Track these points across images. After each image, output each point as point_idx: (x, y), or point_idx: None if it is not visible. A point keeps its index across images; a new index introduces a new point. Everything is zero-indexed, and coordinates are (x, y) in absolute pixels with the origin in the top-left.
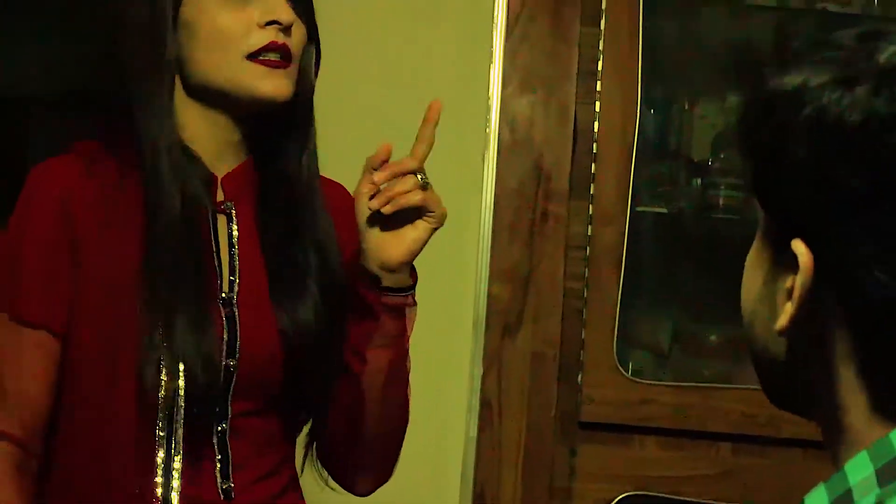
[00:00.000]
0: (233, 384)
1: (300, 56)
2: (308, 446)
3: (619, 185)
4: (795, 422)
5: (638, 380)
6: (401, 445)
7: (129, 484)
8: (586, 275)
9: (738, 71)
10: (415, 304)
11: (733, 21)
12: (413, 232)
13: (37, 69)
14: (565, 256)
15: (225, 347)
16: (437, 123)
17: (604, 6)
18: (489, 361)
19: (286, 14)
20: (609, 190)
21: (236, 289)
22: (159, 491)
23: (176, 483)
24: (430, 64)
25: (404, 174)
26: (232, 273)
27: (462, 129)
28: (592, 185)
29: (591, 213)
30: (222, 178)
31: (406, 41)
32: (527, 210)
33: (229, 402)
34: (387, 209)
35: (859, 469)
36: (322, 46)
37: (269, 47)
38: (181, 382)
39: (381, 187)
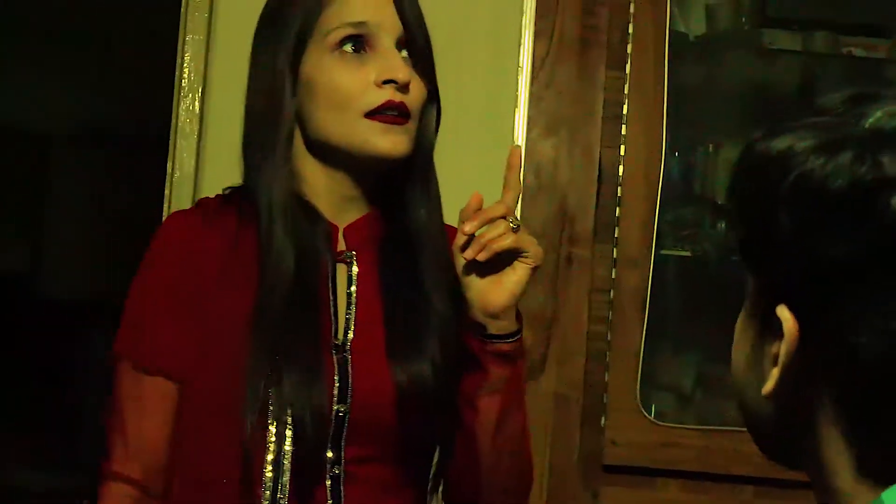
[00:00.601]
0: (345, 430)
1: (419, 113)
2: (431, 492)
3: (644, 229)
4: None
5: (661, 423)
6: (526, 498)
7: None
8: (610, 318)
9: (762, 115)
10: (524, 350)
11: (758, 65)
12: (513, 275)
13: (58, 105)
14: (589, 299)
15: (336, 393)
16: (520, 168)
17: (629, 50)
18: None
19: (403, 73)
20: (633, 233)
21: (350, 336)
22: None
23: None
24: (455, 106)
25: (494, 220)
26: (347, 321)
27: (487, 171)
28: (617, 229)
29: (615, 256)
30: (344, 229)
31: None
32: (551, 253)
33: (342, 448)
34: (481, 256)
35: None
36: None
37: (387, 105)
38: (288, 429)
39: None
